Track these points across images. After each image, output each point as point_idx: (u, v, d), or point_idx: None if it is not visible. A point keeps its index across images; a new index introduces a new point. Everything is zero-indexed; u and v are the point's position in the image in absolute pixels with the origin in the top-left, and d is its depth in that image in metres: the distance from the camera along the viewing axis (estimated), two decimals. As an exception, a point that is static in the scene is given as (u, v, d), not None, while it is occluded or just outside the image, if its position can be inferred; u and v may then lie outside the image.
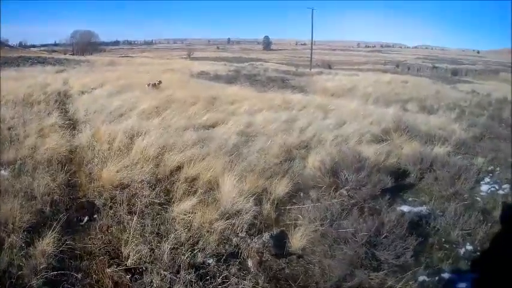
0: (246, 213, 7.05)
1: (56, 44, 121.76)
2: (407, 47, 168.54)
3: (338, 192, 8.28)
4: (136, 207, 7.13)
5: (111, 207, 7.25)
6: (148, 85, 21.56)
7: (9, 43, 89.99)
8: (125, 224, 6.65)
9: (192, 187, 8.16)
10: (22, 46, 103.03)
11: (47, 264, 5.47)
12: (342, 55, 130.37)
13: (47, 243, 5.72)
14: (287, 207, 7.87)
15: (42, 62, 46.29)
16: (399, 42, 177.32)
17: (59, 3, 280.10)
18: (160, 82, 22.24)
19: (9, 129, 11.68)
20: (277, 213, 7.61)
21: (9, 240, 5.83)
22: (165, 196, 7.77)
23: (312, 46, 79.60)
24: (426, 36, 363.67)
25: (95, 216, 7.07)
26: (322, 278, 5.84)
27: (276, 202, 7.79)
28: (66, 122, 13.32)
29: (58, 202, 7.39)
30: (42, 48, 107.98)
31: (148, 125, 12.13)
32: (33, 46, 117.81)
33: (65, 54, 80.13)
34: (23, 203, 6.82)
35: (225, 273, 5.72)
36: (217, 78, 36.34)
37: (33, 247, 5.73)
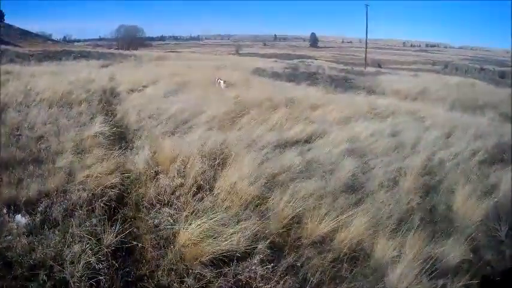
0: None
1: (100, 39, 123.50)
2: (452, 47, 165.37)
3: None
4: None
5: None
6: (218, 82, 19.48)
7: (53, 37, 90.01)
8: None
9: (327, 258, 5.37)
10: (66, 41, 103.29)
11: None
12: (389, 54, 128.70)
13: None
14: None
15: (86, 56, 44.34)
16: (444, 41, 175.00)
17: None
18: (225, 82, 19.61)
19: (37, 140, 9.06)
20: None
21: None
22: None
23: (366, 44, 77.85)
24: (471, 35, 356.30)
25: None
26: None
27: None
28: (114, 130, 10.49)
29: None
30: (86, 43, 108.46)
31: (228, 140, 9.29)
32: (77, 41, 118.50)
33: (109, 48, 79.27)
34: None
35: None
36: (275, 75, 33.64)
37: None
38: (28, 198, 6.15)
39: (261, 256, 5.09)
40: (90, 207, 6.00)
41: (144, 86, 17.57)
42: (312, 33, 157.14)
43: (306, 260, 5.18)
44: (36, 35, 76.44)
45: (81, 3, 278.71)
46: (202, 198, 6.50)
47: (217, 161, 7.76)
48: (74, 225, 5.35)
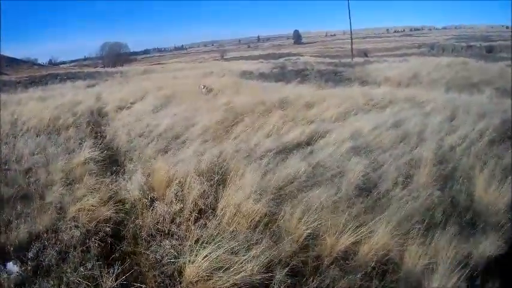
0: None
1: (85, 59, 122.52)
2: (437, 28, 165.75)
3: None
4: None
5: None
6: (204, 88, 19.25)
7: (39, 62, 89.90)
8: None
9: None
10: (52, 63, 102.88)
11: None
12: (374, 42, 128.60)
13: None
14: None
15: (72, 77, 43.35)
16: (427, 24, 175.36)
17: (84, 17, 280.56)
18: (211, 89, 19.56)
19: (26, 173, 8.47)
20: None
21: None
22: None
23: (351, 35, 77.87)
24: (453, 15, 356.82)
25: None
26: None
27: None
28: (104, 154, 9.93)
29: None
30: (72, 64, 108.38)
31: (225, 152, 8.74)
32: (63, 63, 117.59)
33: (95, 67, 78.98)
34: None
35: None
36: (263, 77, 33.30)
37: None
38: (19, 242, 5.69)
39: (281, 286, 4.62)
40: (84, 247, 5.51)
41: (132, 103, 17.05)
42: (295, 30, 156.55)
43: (331, 282, 4.74)
44: (22, 61, 76.19)
45: (63, 24, 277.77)
46: (206, 224, 5.98)
47: (217, 178, 7.23)
48: (69, 271, 4.89)
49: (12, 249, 5.50)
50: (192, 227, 5.84)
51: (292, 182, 7.07)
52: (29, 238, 5.77)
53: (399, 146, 9.37)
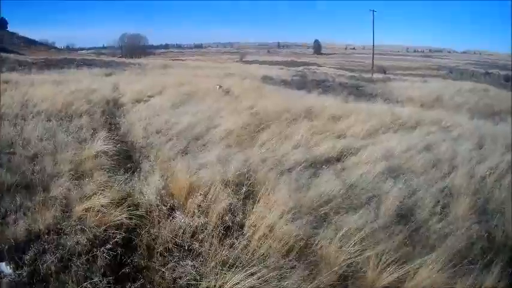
0: None
1: (104, 47, 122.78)
2: (456, 52, 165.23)
3: None
4: None
5: None
6: (220, 87, 18.92)
7: (56, 45, 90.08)
8: None
9: None
10: (69, 49, 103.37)
11: None
12: (392, 60, 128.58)
13: None
14: None
15: (89, 64, 43.23)
16: (447, 46, 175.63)
17: (107, 5, 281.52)
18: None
19: (31, 160, 7.82)
20: None
21: None
22: None
23: (373, 50, 77.36)
24: (474, 40, 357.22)
25: None
26: None
27: None
28: (118, 148, 9.22)
29: None
30: (90, 51, 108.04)
31: (251, 160, 8.15)
32: (81, 49, 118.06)
33: (113, 57, 78.78)
34: None
35: None
36: (284, 83, 32.88)
37: None
38: (15, 241, 5.02)
39: None
40: (90, 256, 4.81)
41: (150, 96, 16.49)
42: (316, 40, 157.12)
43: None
44: (40, 43, 76.58)
45: (84, 12, 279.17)
46: (233, 243, 5.26)
47: (244, 190, 6.55)
48: (70, 283, 4.20)
49: (6, 247, 4.85)
50: (217, 245, 5.17)
51: (328, 203, 6.54)
52: (27, 237, 5.12)
53: (431, 171, 9.02)
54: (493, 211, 7.19)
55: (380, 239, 5.49)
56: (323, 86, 33.37)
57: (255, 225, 5.55)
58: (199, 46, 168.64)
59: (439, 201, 7.25)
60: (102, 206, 5.82)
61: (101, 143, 8.88)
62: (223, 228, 5.58)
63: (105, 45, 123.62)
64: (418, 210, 6.85)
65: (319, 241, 5.31)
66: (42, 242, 5.01)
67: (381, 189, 7.43)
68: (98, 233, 5.27)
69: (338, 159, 9.39)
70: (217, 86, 18.66)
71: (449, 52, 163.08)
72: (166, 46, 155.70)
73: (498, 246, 6.07)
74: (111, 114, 13.62)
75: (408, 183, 7.96)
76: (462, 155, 10.24)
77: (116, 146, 9.21)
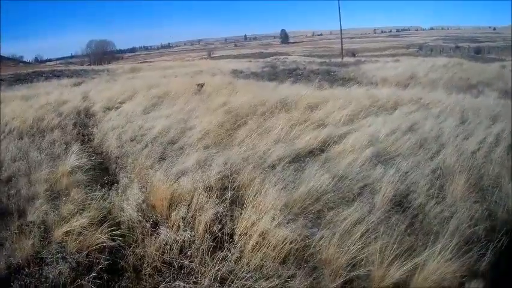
0: None
1: (72, 56, 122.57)
2: (423, 29, 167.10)
3: None
4: None
5: None
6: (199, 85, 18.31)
7: (24, 59, 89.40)
8: None
9: None
10: (38, 61, 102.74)
11: None
12: (361, 42, 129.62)
13: None
14: None
15: (58, 75, 42.60)
16: (414, 25, 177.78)
17: (70, 15, 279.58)
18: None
19: (6, 184, 7.60)
20: None
21: None
22: None
23: (341, 35, 77.84)
24: (440, 16, 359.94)
25: None
26: None
27: None
28: (93, 161, 9.07)
29: None
30: (58, 62, 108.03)
31: (231, 160, 7.88)
32: (49, 60, 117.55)
33: (81, 65, 78.56)
34: None
35: None
36: (255, 76, 32.82)
37: None
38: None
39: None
40: (75, 287, 4.53)
41: (121, 103, 16.18)
42: (282, 29, 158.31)
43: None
44: (7, 58, 75.56)
45: (49, 21, 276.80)
46: (225, 256, 4.97)
47: (229, 194, 6.26)
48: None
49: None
50: (209, 260, 4.89)
51: (319, 199, 6.30)
52: (7, 272, 4.85)
53: (420, 152, 8.89)
54: (490, 187, 7.09)
55: (380, 231, 5.31)
56: (294, 74, 33.31)
57: (246, 233, 5.32)
58: (167, 46, 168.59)
59: (433, 183, 7.10)
60: (82, 227, 5.54)
61: (74, 158, 8.65)
62: (213, 240, 5.32)
63: (73, 54, 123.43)
64: (414, 195, 6.70)
65: (316, 243, 5.10)
66: (23, 277, 4.74)
67: (372, 177, 7.27)
68: (80, 260, 5.00)
69: (322, 150, 9.17)
70: (197, 85, 18.27)
71: (417, 30, 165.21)
72: (133, 49, 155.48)
73: (502, 223, 5.92)
74: (83, 125, 13.36)
75: (398, 168, 7.81)
76: (448, 131, 10.18)
77: (90, 159, 9.04)
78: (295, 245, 5.04)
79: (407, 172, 7.53)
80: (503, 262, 4.94)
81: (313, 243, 5.10)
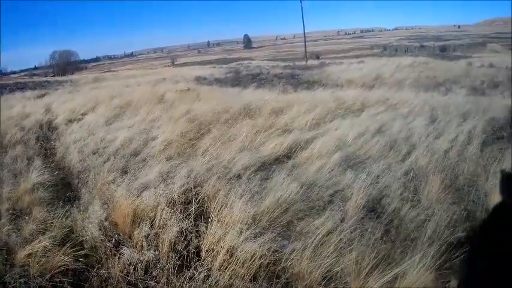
0: None
1: (36, 68, 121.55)
2: (388, 30, 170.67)
3: None
4: None
5: None
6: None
7: None
8: None
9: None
10: (1, 74, 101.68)
11: None
12: (325, 45, 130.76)
13: None
14: None
15: (22, 87, 41.70)
16: (378, 26, 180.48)
17: (33, 26, 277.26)
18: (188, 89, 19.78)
19: None
20: None
21: None
22: None
23: (305, 38, 79.12)
24: (405, 16, 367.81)
25: None
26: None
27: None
28: (55, 177, 8.82)
29: None
30: (22, 74, 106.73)
31: (195, 172, 7.61)
32: (13, 72, 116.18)
33: (45, 76, 77.78)
34: None
35: None
36: (218, 82, 32.92)
37: None
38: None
39: None
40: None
41: (83, 114, 15.87)
42: (245, 34, 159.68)
43: None
44: (-30, 73, 74.75)
45: (12, 33, 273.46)
46: (193, 275, 4.83)
47: (194, 208, 6.10)
48: None
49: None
50: (175, 280, 4.77)
51: (288, 210, 6.17)
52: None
53: (390, 154, 8.82)
54: (466, 186, 7.03)
55: (355, 241, 5.21)
56: (258, 79, 33.27)
57: (213, 250, 5.18)
58: (130, 55, 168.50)
59: (407, 186, 7.03)
60: (44, 249, 5.34)
61: (36, 174, 8.44)
62: (178, 258, 5.17)
63: (37, 66, 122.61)
64: (388, 200, 6.55)
65: (288, 256, 4.98)
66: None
67: (342, 183, 7.09)
68: (43, 284, 4.84)
69: (288, 157, 9.06)
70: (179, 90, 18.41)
71: (381, 31, 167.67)
72: (97, 59, 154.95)
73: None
74: (45, 139, 13.08)
75: (369, 172, 7.70)
76: (418, 131, 10.19)
77: (53, 175, 8.81)
78: (265, 260, 4.92)
79: (379, 176, 7.43)
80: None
81: (285, 257, 4.99)
